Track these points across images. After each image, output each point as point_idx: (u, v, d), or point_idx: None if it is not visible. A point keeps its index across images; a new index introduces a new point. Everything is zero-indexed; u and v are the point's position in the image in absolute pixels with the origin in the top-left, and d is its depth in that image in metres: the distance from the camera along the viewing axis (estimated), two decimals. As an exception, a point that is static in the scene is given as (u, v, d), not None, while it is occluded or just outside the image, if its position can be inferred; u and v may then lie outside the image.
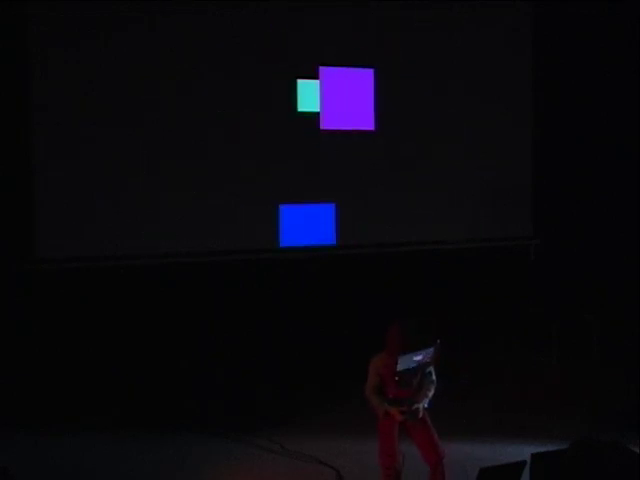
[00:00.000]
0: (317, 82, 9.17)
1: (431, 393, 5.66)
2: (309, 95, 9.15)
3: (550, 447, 6.02)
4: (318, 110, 9.20)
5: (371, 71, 9.40)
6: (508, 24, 10.04)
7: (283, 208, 9.11)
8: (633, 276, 9.66)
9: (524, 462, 5.08)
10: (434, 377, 5.69)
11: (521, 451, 6.27)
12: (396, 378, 5.53)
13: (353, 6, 9.23)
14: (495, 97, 9.97)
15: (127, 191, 8.48)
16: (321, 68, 9.18)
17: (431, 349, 5.53)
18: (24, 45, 8.05)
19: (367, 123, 9.47)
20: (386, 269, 9.52)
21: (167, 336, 8.56)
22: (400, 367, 5.43)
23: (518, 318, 9.80)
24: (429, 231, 9.72)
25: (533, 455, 5.25)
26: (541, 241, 10.21)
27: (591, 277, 9.93)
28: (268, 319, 8.95)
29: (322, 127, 9.22)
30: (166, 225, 8.61)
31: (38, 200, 8.17)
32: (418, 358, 5.47)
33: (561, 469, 5.24)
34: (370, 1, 9.30)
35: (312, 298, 9.15)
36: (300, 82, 9.08)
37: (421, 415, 5.58)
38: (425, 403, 5.62)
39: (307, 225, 9.21)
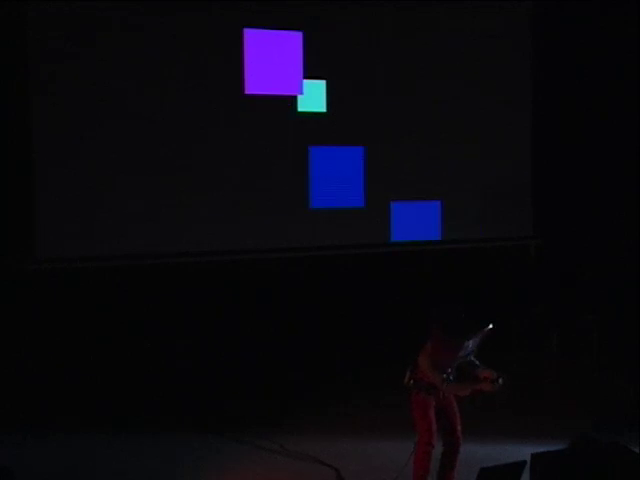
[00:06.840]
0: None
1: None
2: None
3: (550, 447, 6.01)
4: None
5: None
6: (508, 24, 10.03)
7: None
8: (633, 276, 9.65)
9: (524, 462, 5.08)
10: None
11: (521, 451, 6.26)
12: (449, 370, 5.47)
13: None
14: (495, 96, 9.95)
15: (127, 191, 8.47)
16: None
17: (479, 335, 5.52)
18: (24, 43, 8.05)
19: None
20: (385, 269, 9.51)
21: (167, 336, 8.56)
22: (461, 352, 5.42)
23: (518, 318, 9.79)
24: (428, 231, 9.71)
25: (533, 455, 5.26)
26: (541, 241, 10.20)
27: (591, 277, 9.92)
28: (267, 319, 8.95)
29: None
30: (166, 225, 8.60)
31: (38, 200, 8.17)
32: (469, 344, 5.48)
33: (561, 469, 5.24)
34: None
35: (310, 298, 9.14)
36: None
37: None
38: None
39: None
